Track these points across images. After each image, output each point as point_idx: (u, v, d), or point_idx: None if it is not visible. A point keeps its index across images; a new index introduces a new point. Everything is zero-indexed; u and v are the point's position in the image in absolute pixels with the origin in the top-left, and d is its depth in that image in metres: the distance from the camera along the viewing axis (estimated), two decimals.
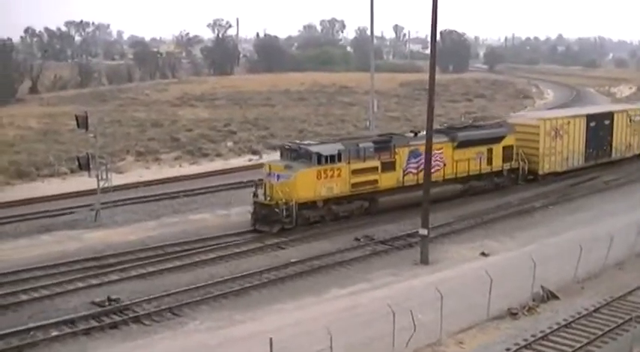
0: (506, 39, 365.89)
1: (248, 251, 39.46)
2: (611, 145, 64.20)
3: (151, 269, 36.23)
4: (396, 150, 46.80)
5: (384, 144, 46.14)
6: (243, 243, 40.79)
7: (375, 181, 45.85)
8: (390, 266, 37.57)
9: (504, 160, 54.12)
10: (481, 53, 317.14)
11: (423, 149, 43.03)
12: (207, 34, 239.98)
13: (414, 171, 47.48)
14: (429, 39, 40.75)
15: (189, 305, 31.72)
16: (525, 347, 27.95)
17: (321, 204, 44.01)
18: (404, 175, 47.24)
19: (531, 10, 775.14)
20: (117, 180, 54.00)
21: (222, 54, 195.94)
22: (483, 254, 39.59)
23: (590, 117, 62.27)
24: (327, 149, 43.90)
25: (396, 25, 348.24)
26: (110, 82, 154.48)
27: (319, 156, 43.01)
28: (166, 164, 65.48)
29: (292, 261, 37.44)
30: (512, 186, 54.96)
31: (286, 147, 45.37)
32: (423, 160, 43.75)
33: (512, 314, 31.24)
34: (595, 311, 31.63)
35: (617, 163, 65.00)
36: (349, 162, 44.30)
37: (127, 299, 31.85)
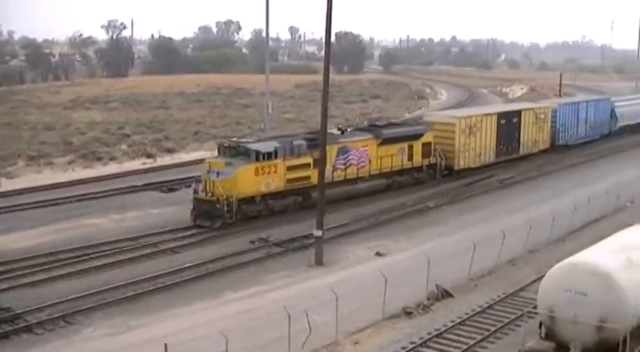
0: (401, 40, 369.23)
1: (143, 256, 38.87)
2: (519, 142, 67.70)
3: (43, 276, 35.34)
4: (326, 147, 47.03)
5: (315, 142, 45.94)
6: (138, 247, 40.15)
7: (308, 177, 47.48)
8: (286, 269, 37.56)
9: (423, 156, 56.59)
10: (376, 54, 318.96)
11: (350, 146, 49.84)
12: (102, 36, 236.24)
13: (342, 167, 49.92)
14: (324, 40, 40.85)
15: (82, 313, 31.10)
16: (421, 345, 28.23)
17: (259, 199, 45.54)
18: (333, 171, 48.96)
19: (426, 11, 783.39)
20: (7, 185, 52.89)
21: (116, 55, 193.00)
22: (379, 254, 39.84)
23: (500, 115, 65.76)
24: (265, 146, 45.54)
25: (292, 27, 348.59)
26: (0, 83, 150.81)
27: (257, 153, 44.59)
28: (59, 168, 63.94)
29: (187, 265, 37.05)
30: (430, 180, 57.55)
31: (225, 145, 46.58)
32: (350, 157, 49.84)
33: (408, 313, 31.52)
34: (489, 307, 32.23)
35: (524, 158, 68.29)
36: (284, 159, 46.21)
37: (18, 308, 31.00)
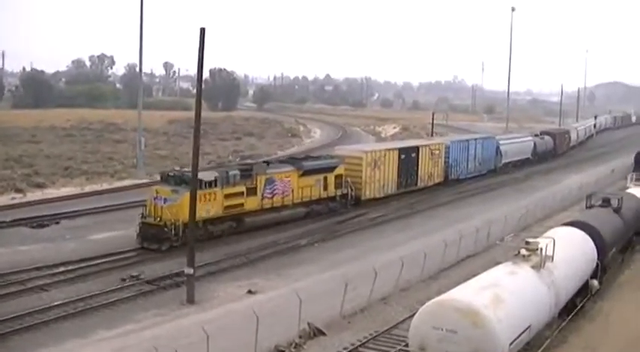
0: (275, 77, 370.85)
1: (9, 294, 37.58)
2: (417, 175, 73.66)
3: None
4: (257, 177, 52.88)
5: (247, 172, 52.24)
6: (4, 285, 38.79)
7: (242, 204, 51.70)
8: (157, 307, 36.90)
9: (336, 187, 60.94)
10: (251, 91, 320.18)
11: (276, 177, 54.52)
12: None
13: (270, 196, 54.12)
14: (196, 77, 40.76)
15: None
16: None
17: (201, 224, 47.47)
18: (262, 199, 53.33)
19: (300, 49, 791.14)
20: None
21: None
22: (250, 292, 39.58)
23: (401, 150, 71.70)
24: (207, 175, 48.79)
25: (167, 62, 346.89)
26: None
27: (201, 181, 45.83)
28: None
29: (56, 303, 36.10)
30: (341, 209, 61.83)
31: (170, 174, 49.97)
32: (276, 187, 54.46)
33: (280, 351, 31.31)
34: (361, 345, 32.25)
35: (421, 190, 73.81)
36: (222, 188, 49.74)
37: None
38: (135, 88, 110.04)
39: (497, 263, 30.85)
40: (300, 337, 32.73)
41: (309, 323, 33.52)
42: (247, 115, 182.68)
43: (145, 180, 75.43)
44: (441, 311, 24.95)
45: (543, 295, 29.10)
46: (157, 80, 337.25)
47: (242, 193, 51.53)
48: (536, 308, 28.23)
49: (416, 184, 73.60)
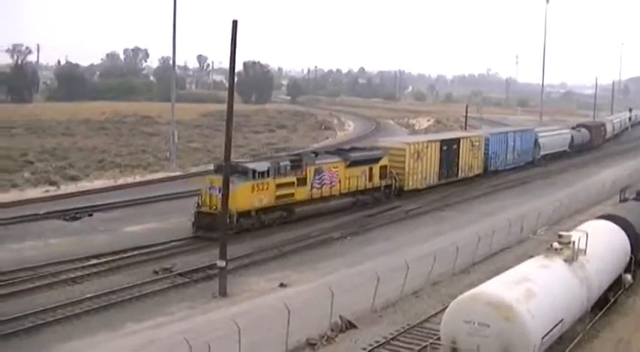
0: (309, 71, 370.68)
1: (42, 286, 37.77)
2: (458, 166, 75.10)
3: None
4: (306, 168, 54.28)
5: (298, 163, 53.77)
6: (36, 277, 39.01)
7: (293, 194, 53.18)
8: (189, 299, 36.98)
9: (381, 178, 62.31)
10: (284, 84, 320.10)
11: (324, 168, 55.96)
12: (6, 60, 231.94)
13: (318, 186, 55.41)
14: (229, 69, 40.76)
15: None
16: None
17: (254, 213, 50.25)
18: (311, 189, 54.77)
19: (333, 43, 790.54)
20: None
21: (20, 80, 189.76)
22: (282, 285, 39.58)
23: (443, 142, 73.01)
24: (260, 166, 50.78)
25: (200, 55, 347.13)
26: None
27: (254, 171, 49.63)
28: None
29: (87, 296, 36.27)
30: (386, 199, 63.07)
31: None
32: (324, 177, 55.85)
33: (311, 344, 31.30)
34: (392, 339, 32.17)
35: (461, 181, 75.23)
36: (274, 178, 51.23)
37: None
38: (168, 81, 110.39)
39: (530, 256, 30.63)
40: (332, 330, 32.71)
41: (340, 316, 33.49)
42: (281, 108, 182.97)
43: (177, 173, 75.89)
44: (472, 305, 24.81)
45: (576, 289, 28.89)
46: (191, 73, 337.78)
47: (293, 183, 53.04)
48: (569, 302, 28.03)
49: (456, 175, 75.23)
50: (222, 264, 37.67)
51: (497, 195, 72.14)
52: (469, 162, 77.47)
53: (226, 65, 38.89)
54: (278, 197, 51.94)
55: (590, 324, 32.30)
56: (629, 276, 37.29)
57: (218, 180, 46.63)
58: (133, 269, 41.36)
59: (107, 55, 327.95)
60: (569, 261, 29.45)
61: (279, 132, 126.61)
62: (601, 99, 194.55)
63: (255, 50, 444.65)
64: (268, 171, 50.82)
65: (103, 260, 42.55)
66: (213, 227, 46.06)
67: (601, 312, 34.06)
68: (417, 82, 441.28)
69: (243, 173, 49.59)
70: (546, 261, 29.04)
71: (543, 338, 24.93)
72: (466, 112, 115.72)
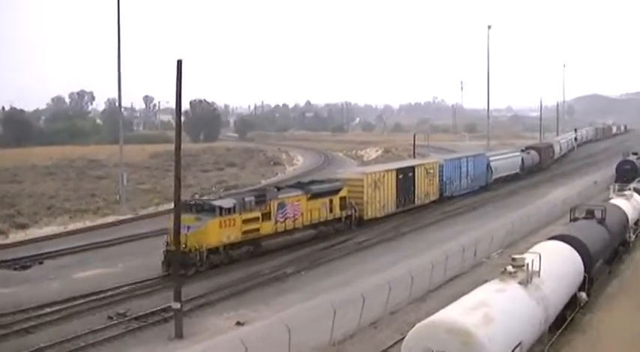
0: (255, 106, 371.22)
1: None
2: (414, 194, 76.73)
3: None
4: (270, 202, 55.34)
5: (262, 198, 54.86)
6: None
7: (258, 229, 54.15)
8: (145, 343, 36.47)
9: (341, 208, 63.69)
10: (232, 121, 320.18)
11: (287, 201, 57.01)
12: None
13: (282, 219, 56.51)
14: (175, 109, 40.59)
15: None
16: None
17: (223, 249, 51.22)
18: (275, 223, 55.74)
19: (279, 77, 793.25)
20: None
21: None
22: (239, 323, 39.25)
23: (399, 171, 74.70)
24: (226, 202, 51.71)
25: (147, 96, 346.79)
26: None
27: (222, 208, 50.74)
28: None
29: (42, 345, 35.62)
30: (347, 230, 64.43)
31: (191, 202, 52.41)
32: (287, 210, 56.79)
33: None
34: None
35: (417, 208, 76.91)
36: (240, 213, 52.18)
37: None
38: (116, 123, 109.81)
39: (485, 281, 30.64)
40: None
41: None
42: (229, 145, 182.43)
43: (128, 216, 75.19)
44: (430, 333, 24.69)
45: (532, 310, 28.93)
46: (138, 114, 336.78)
47: (258, 218, 54.04)
48: (526, 324, 28.05)
49: (413, 202, 76.67)
50: (177, 305, 37.27)
51: (451, 221, 72.53)
52: (425, 189, 78.96)
53: (173, 105, 38.88)
54: (245, 232, 52.85)
55: (549, 344, 32.33)
56: (583, 294, 37.49)
57: (186, 218, 47.67)
58: (87, 316, 40.62)
59: (52, 99, 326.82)
60: (524, 283, 29.50)
61: (229, 169, 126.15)
62: (547, 121, 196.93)
63: (201, 88, 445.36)
64: (234, 207, 51.80)
65: (55, 308, 41.72)
66: (185, 264, 47.12)
67: (559, 332, 34.14)
68: (365, 113, 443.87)
69: (211, 210, 50.65)
70: (502, 285, 29.06)
71: None
72: (414, 141, 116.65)
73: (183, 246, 47.25)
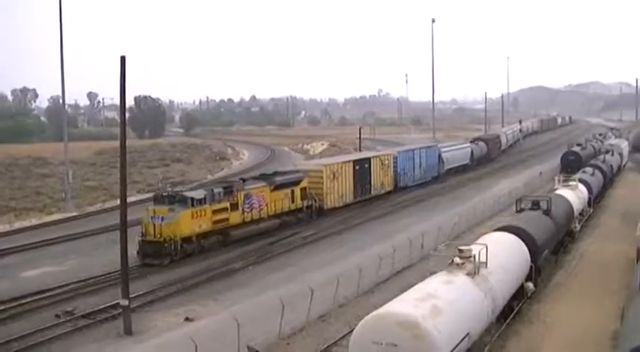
0: (200, 102, 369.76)
1: None
2: (371, 184, 79.33)
3: None
4: (237, 193, 57.37)
5: (229, 189, 56.87)
6: None
7: (227, 219, 56.22)
8: (94, 341, 36.13)
9: (302, 199, 66.22)
10: (177, 117, 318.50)
11: (252, 192, 59.10)
12: None
13: (248, 210, 58.61)
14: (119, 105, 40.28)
15: None
16: None
17: (194, 238, 53.11)
18: (243, 213, 57.87)
19: (224, 72, 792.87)
20: None
21: None
22: (188, 319, 39.08)
23: (355, 162, 77.12)
24: (198, 194, 53.86)
25: (91, 92, 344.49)
26: None
27: (193, 199, 52.65)
28: None
29: None
30: (308, 220, 66.77)
31: (164, 194, 54.43)
32: (253, 201, 58.89)
33: None
34: None
35: (374, 198, 79.38)
36: (210, 204, 54.19)
37: None
38: (60, 121, 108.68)
39: (432, 273, 30.81)
40: None
41: (248, 347, 33.20)
42: (175, 141, 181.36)
43: (74, 213, 74.62)
44: (379, 325, 24.78)
45: (480, 301, 29.15)
46: (82, 111, 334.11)
47: (226, 209, 56.02)
48: (474, 315, 28.26)
49: (370, 193, 79.32)
50: (125, 302, 37.04)
51: (402, 212, 73.29)
52: (380, 179, 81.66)
53: (117, 101, 38.70)
54: (215, 222, 54.85)
55: (497, 335, 32.65)
56: (530, 285, 37.87)
57: (160, 209, 51.67)
58: (34, 315, 40.22)
59: None
60: (472, 274, 29.73)
61: (175, 165, 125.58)
62: (492, 113, 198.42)
63: (145, 84, 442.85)
64: (205, 198, 53.74)
65: (2, 307, 41.30)
66: (159, 254, 50.48)
67: (506, 322, 34.48)
68: (310, 107, 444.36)
69: (183, 201, 52.46)
70: (449, 277, 29.25)
71: None
72: (359, 134, 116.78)
73: (158, 236, 50.86)
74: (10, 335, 36.40)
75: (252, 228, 59.07)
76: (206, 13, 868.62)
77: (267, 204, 60.99)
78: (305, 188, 66.73)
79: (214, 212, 54.73)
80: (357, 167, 76.43)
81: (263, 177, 64.91)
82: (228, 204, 56.25)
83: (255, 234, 59.02)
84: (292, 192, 64.71)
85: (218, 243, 55.73)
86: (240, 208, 57.66)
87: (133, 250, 48.26)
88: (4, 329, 37.80)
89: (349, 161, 77.24)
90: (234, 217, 57.02)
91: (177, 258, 51.32)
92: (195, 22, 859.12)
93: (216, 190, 55.54)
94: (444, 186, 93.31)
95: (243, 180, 61.87)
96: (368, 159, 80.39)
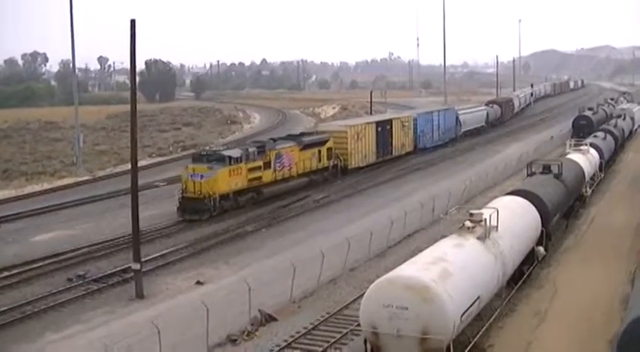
0: (211, 66, 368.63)
1: None
2: (392, 145, 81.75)
3: None
4: (269, 153, 59.61)
5: (262, 149, 59.07)
6: None
7: (260, 177, 58.52)
8: (105, 305, 36.37)
9: (328, 158, 68.51)
10: (187, 81, 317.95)
11: (282, 152, 61.50)
12: None
13: (279, 168, 60.90)
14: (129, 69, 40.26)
15: None
16: None
17: (231, 196, 55.40)
18: (274, 171, 60.20)
19: (234, 36, 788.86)
20: None
21: None
22: (199, 282, 39.25)
23: (378, 124, 79.14)
24: (235, 152, 56.15)
25: (101, 57, 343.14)
26: None
27: (230, 158, 54.83)
28: None
29: (2, 308, 35.38)
30: (333, 179, 69.21)
31: (202, 153, 57.14)
32: (283, 160, 61.37)
33: (232, 340, 31.14)
34: (313, 328, 32.16)
35: (396, 159, 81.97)
36: (246, 163, 56.45)
37: None
38: (70, 85, 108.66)
39: (443, 236, 30.81)
40: (252, 324, 32.58)
41: (259, 310, 33.38)
42: (185, 105, 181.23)
43: (85, 178, 74.74)
44: (390, 289, 24.84)
45: (490, 265, 29.18)
46: (93, 75, 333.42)
47: (260, 167, 58.36)
48: (484, 279, 28.30)
49: (391, 153, 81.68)
50: (136, 266, 37.18)
51: (404, 179, 72.83)
52: (401, 141, 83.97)
53: (128, 65, 38.54)
54: (250, 180, 57.14)
55: (507, 299, 32.72)
56: (541, 249, 37.87)
57: (198, 167, 54.05)
58: (46, 279, 40.41)
59: (5, 61, 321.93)
60: (482, 238, 29.75)
61: (185, 129, 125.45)
62: (503, 77, 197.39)
63: (156, 48, 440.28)
64: (241, 157, 55.99)
65: (14, 271, 41.53)
66: (199, 209, 53.04)
67: (517, 286, 34.53)
68: (321, 71, 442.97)
69: (221, 160, 54.55)
70: (460, 240, 29.28)
71: (462, 316, 25.13)
72: (370, 98, 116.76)
73: (198, 192, 53.30)
74: (23, 299, 36.68)
75: (283, 185, 61.40)
76: None
77: (296, 163, 63.30)
78: (331, 148, 68.89)
79: (249, 170, 56.89)
80: (379, 128, 78.56)
81: (292, 137, 67.52)
82: (261, 163, 58.48)
83: (285, 192, 61.33)
84: (319, 151, 67.06)
85: (252, 200, 57.85)
86: (272, 167, 59.88)
87: (146, 212, 49.44)
88: (17, 293, 38.02)
89: (372, 122, 79.47)
90: (267, 175, 59.20)
91: (215, 213, 53.57)
92: None
93: (250, 149, 57.77)
94: (456, 149, 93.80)
95: (274, 140, 64.49)
96: (389, 121, 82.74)
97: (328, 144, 68.57)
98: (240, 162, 55.87)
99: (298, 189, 63.28)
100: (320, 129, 75.29)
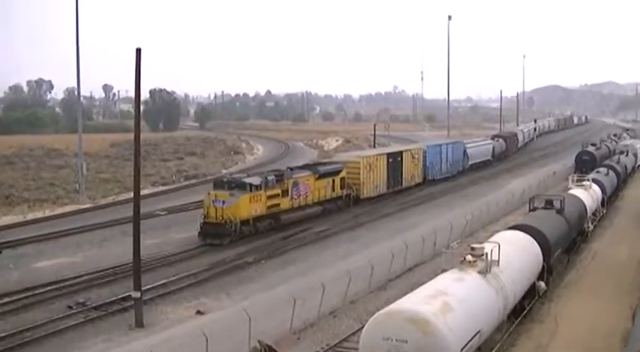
0: (215, 96, 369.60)
1: None
2: (402, 176, 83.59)
3: None
4: (287, 181, 61.34)
5: (280, 177, 60.88)
6: None
7: (279, 204, 60.29)
8: (105, 333, 36.24)
9: (341, 188, 70.24)
10: (192, 111, 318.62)
11: (299, 180, 63.30)
12: None
13: (296, 196, 62.77)
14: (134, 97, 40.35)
15: None
16: None
17: (251, 222, 57.08)
18: (292, 199, 61.93)
19: (239, 67, 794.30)
20: None
21: None
22: (199, 312, 39.21)
23: (389, 155, 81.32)
24: (255, 180, 57.81)
25: (106, 85, 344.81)
26: None
27: (251, 185, 56.68)
28: None
29: (1, 335, 35.32)
30: (346, 207, 71.13)
31: (224, 180, 58.96)
32: (300, 189, 63.10)
33: None
34: None
35: (405, 190, 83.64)
36: (265, 190, 58.05)
37: None
38: (74, 112, 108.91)
39: (444, 270, 30.78)
40: None
41: (259, 341, 33.24)
42: (189, 135, 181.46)
43: (87, 205, 74.76)
44: (390, 322, 24.79)
45: (491, 299, 29.13)
46: (97, 103, 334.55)
47: (278, 195, 60.10)
48: (485, 313, 28.24)
49: (401, 184, 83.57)
50: (137, 294, 37.15)
51: (407, 213, 72.60)
52: (411, 172, 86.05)
53: (132, 94, 38.62)
54: (268, 207, 58.86)
55: (508, 333, 32.65)
56: (542, 284, 37.81)
57: (221, 194, 55.79)
58: (47, 306, 40.37)
59: (10, 87, 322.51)
60: (483, 272, 29.70)
61: (189, 159, 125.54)
62: (506, 112, 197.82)
63: (161, 77, 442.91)
64: (261, 184, 57.72)
65: (15, 298, 41.48)
66: (220, 234, 54.78)
67: (517, 320, 34.47)
68: (325, 103, 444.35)
69: (243, 187, 56.43)
70: (461, 274, 29.24)
71: (462, 350, 25.06)
72: (374, 130, 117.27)
73: (220, 218, 54.87)
74: (23, 325, 36.59)
75: (299, 213, 63.02)
76: (224, 6, 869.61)
77: (311, 192, 65.12)
78: (344, 178, 70.57)
79: (268, 197, 58.52)
80: (390, 159, 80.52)
81: (308, 166, 70.17)
82: (280, 191, 60.16)
83: (300, 219, 62.80)
84: (333, 181, 68.81)
85: (270, 227, 59.35)
86: (289, 194, 61.59)
87: (148, 241, 50.08)
88: (17, 319, 37.96)
89: (383, 153, 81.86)
90: (284, 203, 60.96)
91: (235, 238, 55.11)
92: (213, 15, 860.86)
93: (269, 177, 59.43)
94: (461, 182, 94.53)
95: (291, 169, 66.12)
96: (400, 153, 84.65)
97: (342, 174, 70.27)
98: (260, 189, 57.53)
99: (313, 217, 64.66)
100: (334, 160, 77.41)
